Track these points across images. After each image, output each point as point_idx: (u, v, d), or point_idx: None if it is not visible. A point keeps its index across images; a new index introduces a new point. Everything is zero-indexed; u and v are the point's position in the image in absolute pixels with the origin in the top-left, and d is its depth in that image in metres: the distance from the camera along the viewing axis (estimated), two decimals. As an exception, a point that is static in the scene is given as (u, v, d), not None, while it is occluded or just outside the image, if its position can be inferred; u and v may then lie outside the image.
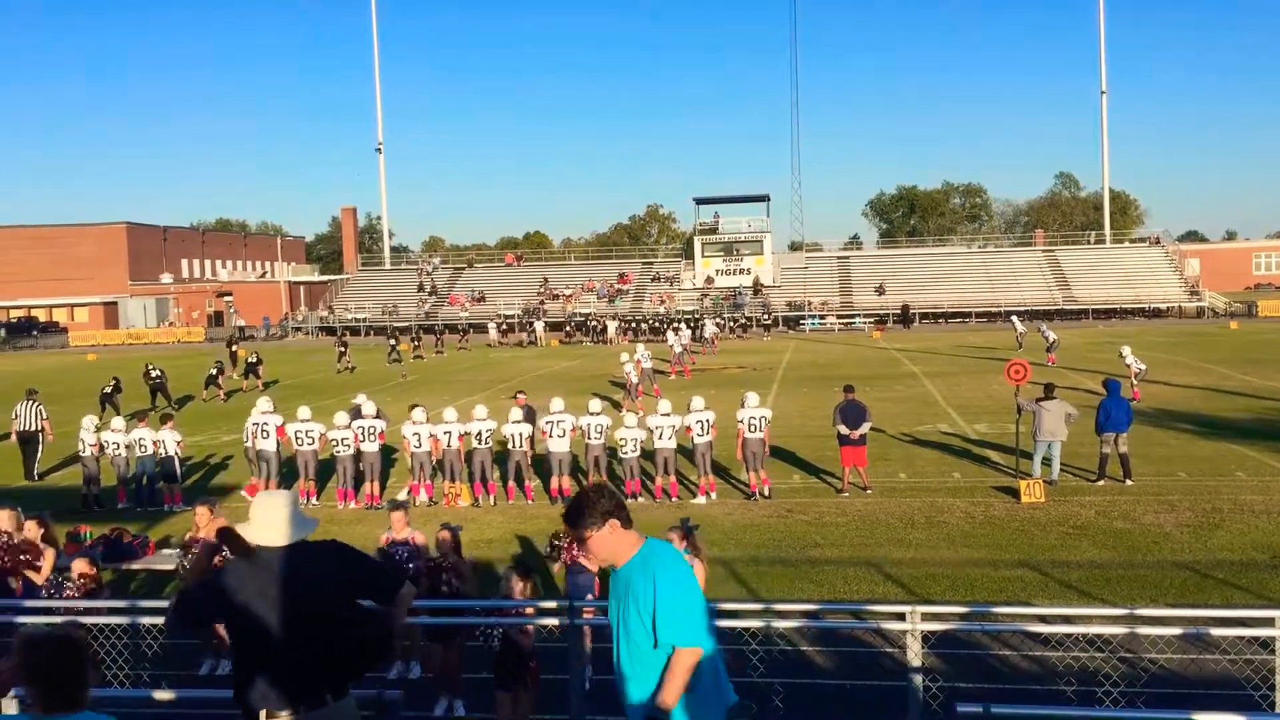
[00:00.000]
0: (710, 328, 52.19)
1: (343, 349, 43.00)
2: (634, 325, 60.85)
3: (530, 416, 17.69)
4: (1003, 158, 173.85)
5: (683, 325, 49.42)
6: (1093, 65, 79.03)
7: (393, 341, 48.44)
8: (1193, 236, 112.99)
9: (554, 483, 16.83)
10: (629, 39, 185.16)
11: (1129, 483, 16.63)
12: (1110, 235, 79.52)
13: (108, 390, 28.30)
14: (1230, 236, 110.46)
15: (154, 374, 31.67)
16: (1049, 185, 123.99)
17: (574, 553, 9.50)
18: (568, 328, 61.31)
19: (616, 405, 26.59)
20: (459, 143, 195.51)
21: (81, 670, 3.77)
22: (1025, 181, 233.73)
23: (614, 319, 61.28)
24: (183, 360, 47.67)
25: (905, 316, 63.66)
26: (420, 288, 75.26)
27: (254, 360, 37.23)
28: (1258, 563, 12.46)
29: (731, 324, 62.62)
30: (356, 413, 17.83)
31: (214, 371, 33.58)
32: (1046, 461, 16.98)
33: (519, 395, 19.76)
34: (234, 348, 40.65)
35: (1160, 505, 15.32)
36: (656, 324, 59.97)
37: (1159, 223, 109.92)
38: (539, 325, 60.20)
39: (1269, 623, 7.03)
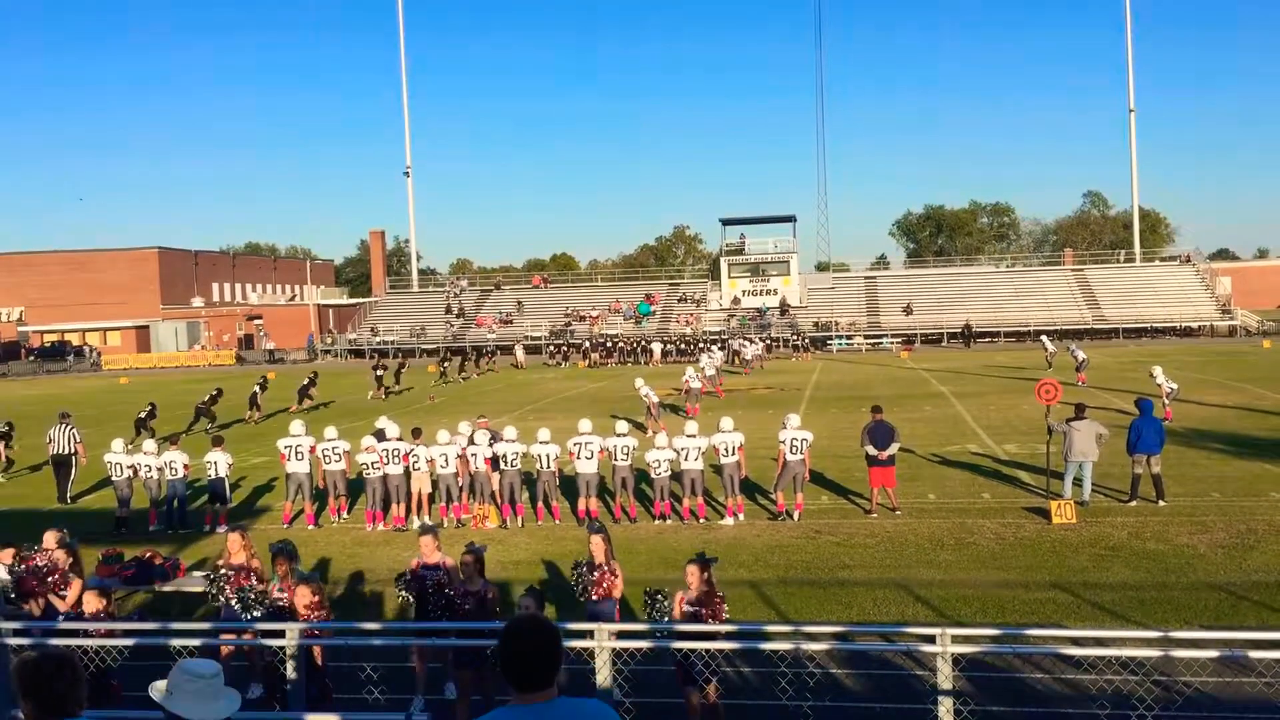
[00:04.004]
0: (751, 349, 51.60)
1: (381, 371, 43.01)
2: (679, 347, 60.59)
3: (493, 440, 17.45)
4: (1030, 176, 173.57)
5: (714, 347, 49.39)
6: (1121, 83, 78.71)
7: (445, 364, 49.54)
8: (1224, 255, 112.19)
9: (581, 504, 16.84)
10: (656, 62, 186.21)
11: (1162, 503, 16.45)
12: (1140, 254, 78.98)
13: (142, 415, 28.53)
14: (1262, 254, 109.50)
15: (205, 397, 32.22)
16: (1077, 204, 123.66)
17: (601, 590, 9.44)
18: (603, 349, 61.08)
19: (640, 427, 26.61)
20: (486, 165, 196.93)
21: (70, 684, 3.95)
22: (1053, 200, 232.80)
23: (660, 341, 61.10)
24: (212, 384, 48.02)
25: (967, 334, 62.71)
26: (448, 310, 75.61)
27: (306, 383, 37.76)
28: (1294, 584, 12.27)
29: (772, 344, 61.80)
30: (380, 435, 17.92)
31: (256, 389, 34.19)
32: (1078, 482, 16.83)
33: (480, 419, 19.81)
34: (380, 370, 41.46)
35: (1194, 526, 15.14)
36: (685, 346, 60.00)
37: (1189, 241, 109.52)
38: (657, 348, 58.45)
39: (1306, 645, 6.92)
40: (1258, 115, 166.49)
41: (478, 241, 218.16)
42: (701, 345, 56.55)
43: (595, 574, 9.49)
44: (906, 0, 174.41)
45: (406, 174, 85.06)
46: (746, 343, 53.97)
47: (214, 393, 32.86)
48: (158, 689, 4.21)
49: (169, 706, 4.12)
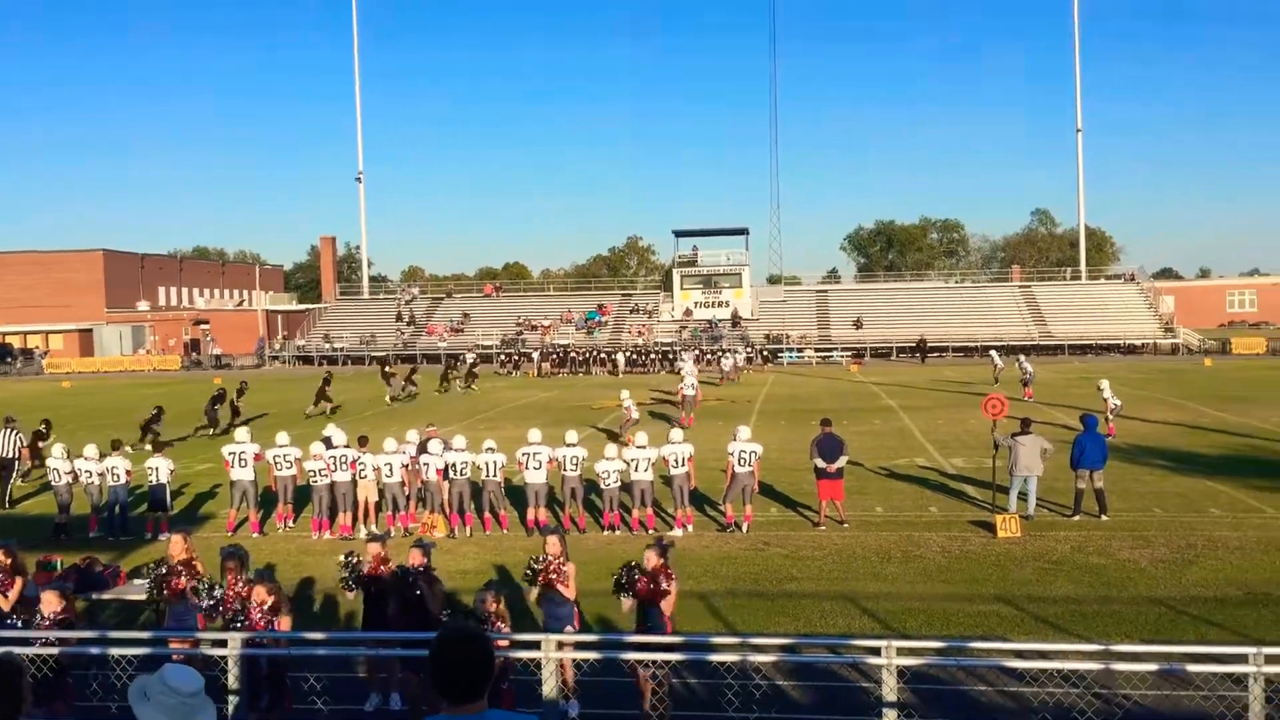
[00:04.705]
0: (730, 360, 51.70)
1: (390, 371, 42.24)
2: (634, 358, 60.62)
3: (444, 448, 17.34)
4: (980, 194, 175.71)
5: (685, 355, 49.61)
6: (1069, 103, 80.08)
7: (451, 371, 49.13)
8: (1167, 274, 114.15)
9: (530, 514, 16.78)
10: (610, 73, 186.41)
11: (1105, 518, 16.69)
12: (1086, 272, 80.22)
13: (146, 419, 28.01)
14: (1204, 274, 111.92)
15: (210, 399, 31.89)
16: (1025, 222, 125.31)
17: (551, 578, 9.45)
18: (554, 358, 60.77)
19: (614, 436, 26.53)
20: (440, 173, 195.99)
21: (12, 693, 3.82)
22: (1002, 218, 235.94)
23: (623, 351, 61.15)
24: (159, 389, 47.33)
25: (922, 349, 63.13)
26: (398, 317, 75.10)
27: (325, 380, 37.17)
28: (1232, 599, 12.51)
29: (752, 356, 61.21)
30: (328, 443, 17.76)
31: (233, 397, 33.57)
32: (1022, 496, 17.04)
33: (430, 427, 19.60)
34: (388, 368, 40.63)
35: (1135, 541, 15.38)
36: (638, 357, 60.06)
37: (1134, 260, 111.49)
38: (621, 357, 59.12)
39: (1242, 659, 7.04)
40: (1201, 139, 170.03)
41: (430, 249, 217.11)
42: (677, 354, 57.13)
43: (541, 563, 9.49)
44: (859, 17, 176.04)
45: (359, 180, 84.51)
46: (727, 353, 54.17)
47: (216, 393, 32.36)
48: (135, 690, 4.01)
49: (137, 713, 3.95)
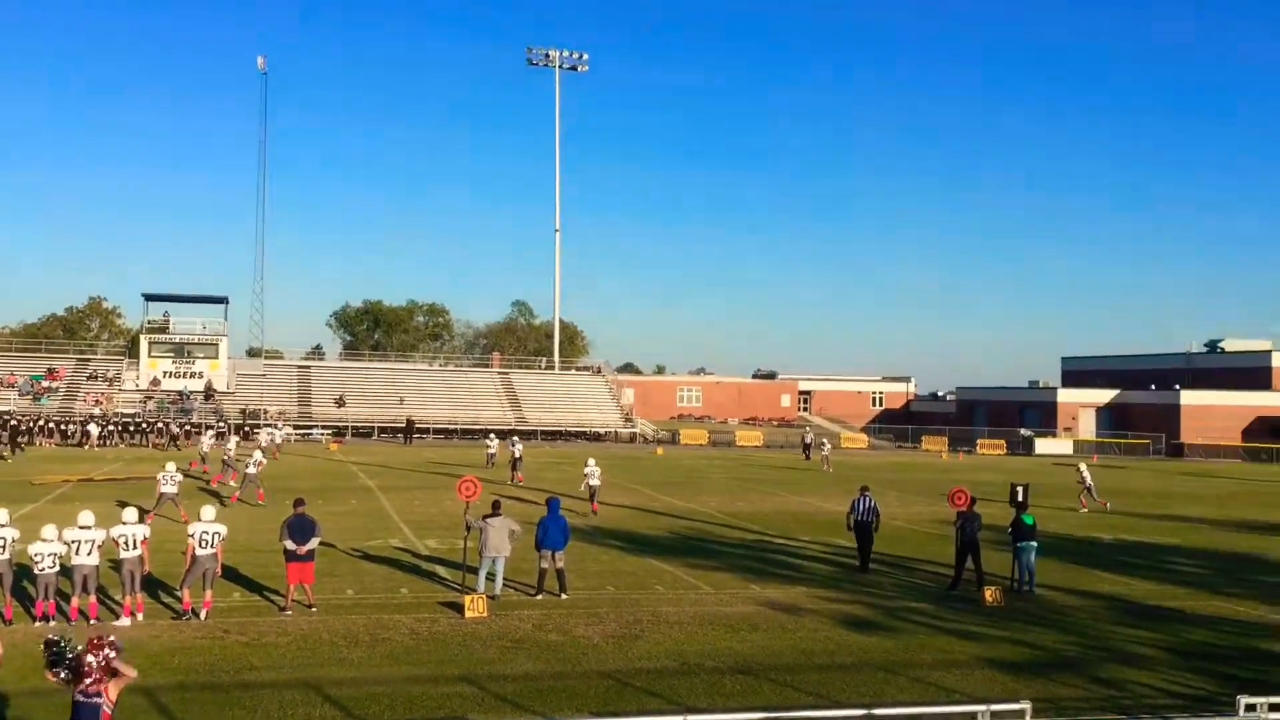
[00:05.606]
0: (269, 436, 49.19)
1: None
2: (122, 428, 55.86)
3: None
4: (466, 282, 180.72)
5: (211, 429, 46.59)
6: (551, 205, 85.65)
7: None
8: (629, 369, 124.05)
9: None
10: (68, 119, 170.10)
11: (564, 597, 17.61)
12: (559, 363, 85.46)
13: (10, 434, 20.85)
14: (660, 371, 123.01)
15: None
16: (507, 311, 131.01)
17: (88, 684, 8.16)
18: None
19: (221, 501, 23.70)
20: None
21: None
22: (486, 306, 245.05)
23: (94, 420, 55.57)
24: None
25: (408, 430, 63.04)
26: None
27: None
28: (670, 670, 13.62)
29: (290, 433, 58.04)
30: None
31: None
32: (490, 576, 17.54)
33: None
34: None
35: (590, 618, 16.34)
36: (110, 426, 55.29)
37: (601, 354, 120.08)
38: (94, 428, 53.65)
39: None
40: (661, 249, 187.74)
41: None
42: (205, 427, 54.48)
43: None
44: (354, 98, 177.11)
45: None
46: (268, 428, 52.65)
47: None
48: None
49: None
